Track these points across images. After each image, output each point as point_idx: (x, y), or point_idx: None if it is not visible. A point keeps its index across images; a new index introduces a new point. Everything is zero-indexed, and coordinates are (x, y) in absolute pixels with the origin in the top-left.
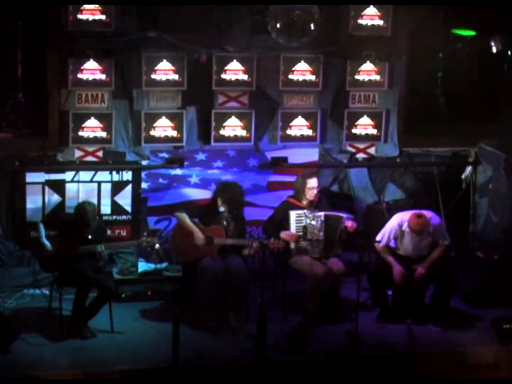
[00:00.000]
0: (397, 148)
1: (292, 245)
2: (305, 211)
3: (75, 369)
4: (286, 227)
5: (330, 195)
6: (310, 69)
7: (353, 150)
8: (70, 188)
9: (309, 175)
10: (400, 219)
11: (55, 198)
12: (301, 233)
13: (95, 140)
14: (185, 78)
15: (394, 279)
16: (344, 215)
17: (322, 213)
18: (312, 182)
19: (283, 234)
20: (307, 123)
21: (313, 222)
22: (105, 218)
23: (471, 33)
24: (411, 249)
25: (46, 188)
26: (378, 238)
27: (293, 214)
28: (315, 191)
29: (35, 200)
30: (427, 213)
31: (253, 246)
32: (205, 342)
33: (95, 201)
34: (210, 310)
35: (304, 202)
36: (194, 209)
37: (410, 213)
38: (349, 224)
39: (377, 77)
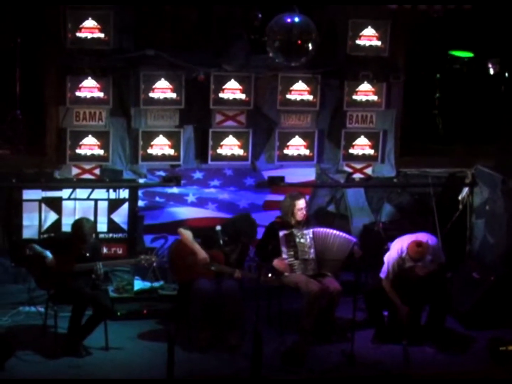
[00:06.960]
0: (394, 169)
1: (286, 274)
2: (293, 230)
3: None
4: (277, 248)
5: (326, 215)
6: (307, 89)
7: (350, 170)
8: (66, 205)
9: (298, 196)
10: (399, 247)
11: (52, 215)
12: (292, 259)
13: (92, 158)
14: (183, 97)
15: (402, 320)
16: (354, 239)
17: (310, 230)
18: (301, 204)
19: (276, 263)
20: (304, 143)
21: (303, 240)
22: (101, 236)
23: (469, 54)
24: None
25: (43, 206)
26: (381, 274)
27: (282, 234)
28: (304, 212)
29: (31, 218)
30: (424, 236)
31: (235, 276)
32: (200, 361)
33: (91, 218)
34: (202, 329)
35: (292, 222)
36: (197, 231)
37: (408, 239)
38: (356, 251)
39: (375, 98)
